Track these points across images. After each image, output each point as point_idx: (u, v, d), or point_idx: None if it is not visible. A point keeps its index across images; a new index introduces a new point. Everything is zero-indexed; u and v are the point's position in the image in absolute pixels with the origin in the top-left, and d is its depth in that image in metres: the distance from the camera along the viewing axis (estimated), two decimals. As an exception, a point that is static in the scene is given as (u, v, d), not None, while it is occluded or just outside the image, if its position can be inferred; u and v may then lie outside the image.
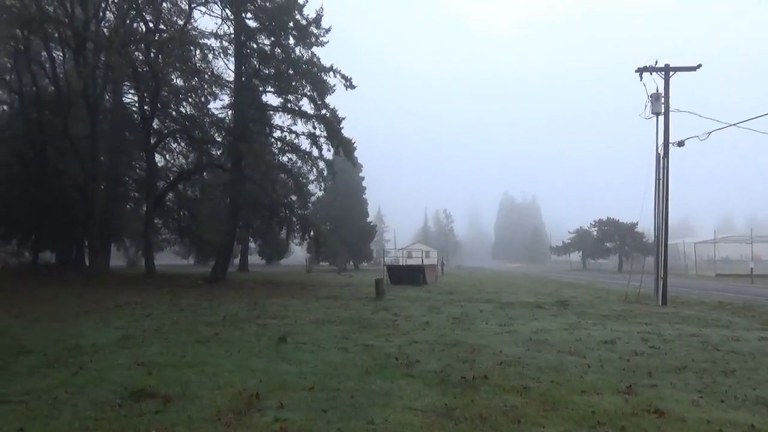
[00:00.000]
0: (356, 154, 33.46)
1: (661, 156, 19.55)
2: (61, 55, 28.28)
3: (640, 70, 19.89)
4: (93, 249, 27.10)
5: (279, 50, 29.34)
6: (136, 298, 17.67)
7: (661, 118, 19.66)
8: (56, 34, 25.88)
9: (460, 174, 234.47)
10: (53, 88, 27.45)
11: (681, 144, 18.80)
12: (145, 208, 40.28)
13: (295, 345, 9.48)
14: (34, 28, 22.61)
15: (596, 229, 73.30)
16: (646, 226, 68.80)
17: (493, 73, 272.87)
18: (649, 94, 19.77)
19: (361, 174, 60.19)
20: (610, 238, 70.58)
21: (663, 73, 19.86)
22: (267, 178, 29.77)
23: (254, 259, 58.73)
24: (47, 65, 27.36)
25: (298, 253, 78.30)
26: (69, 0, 23.31)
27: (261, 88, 30.11)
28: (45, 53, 26.84)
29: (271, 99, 31.35)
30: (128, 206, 40.14)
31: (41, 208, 28.53)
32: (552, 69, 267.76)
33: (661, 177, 19.38)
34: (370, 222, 63.97)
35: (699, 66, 19.62)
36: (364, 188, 62.05)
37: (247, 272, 43.85)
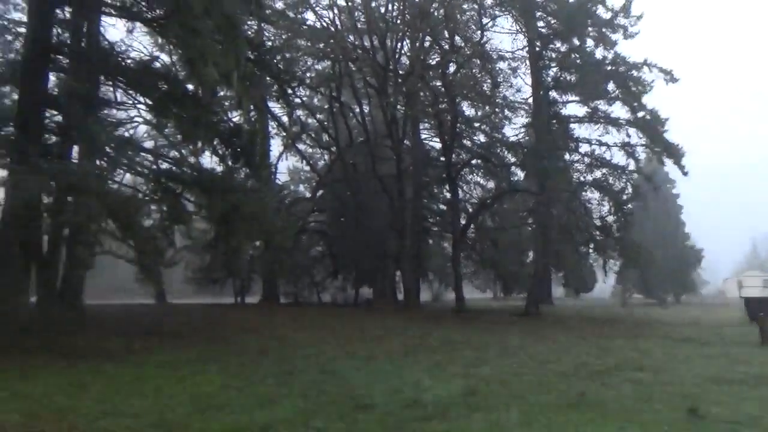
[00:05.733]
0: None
1: None
2: (366, 100, 30.21)
3: None
4: (406, 284, 27.49)
5: (577, 54, 26.20)
6: (457, 335, 16.14)
7: None
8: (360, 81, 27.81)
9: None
10: (363, 132, 29.32)
11: None
12: (445, 243, 40.82)
13: (724, 424, 6.07)
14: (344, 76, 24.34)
15: None
16: None
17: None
18: None
19: (674, 190, 51.36)
20: None
21: None
22: (577, 199, 26.47)
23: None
24: (357, 110, 29.48)
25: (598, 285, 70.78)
26: (370, 41, 24.69)
27: (561, 100, 27.30)
28: (355, 100, 28.95)
29: (574, 110, 28.25)
30: (429, 241, 40.96)
31: (359, 246, 30.35)
32: None
33: None
34: (693, 246, 53.87)
35: None
36: (681, 207, 52.76)
37: (553, 306, 40.28)
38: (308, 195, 34.86)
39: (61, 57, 15.41)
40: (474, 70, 26.85)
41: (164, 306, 27.77)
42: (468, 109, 31.38)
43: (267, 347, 13.02)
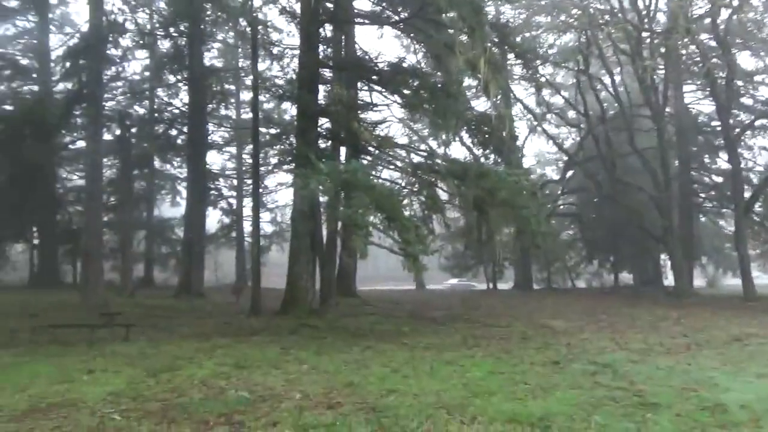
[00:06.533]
0: None
1: None
2: (618, 68, 27.75)
3: None
4: (675, 268, 24.56)
5: None
6: (751, 327, 13.69)
7: None
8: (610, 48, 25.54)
9: None
10: (615, 104, 27.08)
11: None
12: (722, 221, 35.40)
13: None
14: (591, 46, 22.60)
15: None
16: None
17: None
18: None
19: None
20: None
21: None
22: None
23: None
24: (607, 81, 27.30)
25: None
26: (619, 2, 22.56)
27: None
28: (605, 70, 26.80)
29: None
30: (702, 219, 35.94)
31: (616, 228, 28.26)
32: None
33: None
34: None
35: None
36: None
37: None
38: (556, 177, 33.60)
39: (325, 70, 17.39)
40: (753, 14, 22.63)
41: (423, 291, 29.61)
42: (747, 61, 26.82)
43: (527, 334, 12.82)
